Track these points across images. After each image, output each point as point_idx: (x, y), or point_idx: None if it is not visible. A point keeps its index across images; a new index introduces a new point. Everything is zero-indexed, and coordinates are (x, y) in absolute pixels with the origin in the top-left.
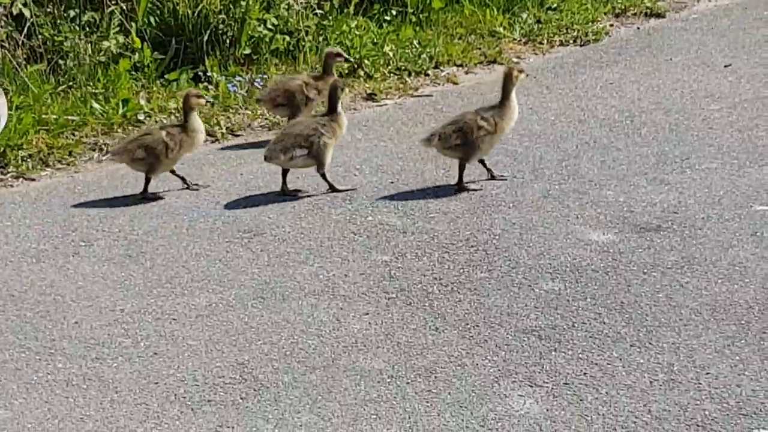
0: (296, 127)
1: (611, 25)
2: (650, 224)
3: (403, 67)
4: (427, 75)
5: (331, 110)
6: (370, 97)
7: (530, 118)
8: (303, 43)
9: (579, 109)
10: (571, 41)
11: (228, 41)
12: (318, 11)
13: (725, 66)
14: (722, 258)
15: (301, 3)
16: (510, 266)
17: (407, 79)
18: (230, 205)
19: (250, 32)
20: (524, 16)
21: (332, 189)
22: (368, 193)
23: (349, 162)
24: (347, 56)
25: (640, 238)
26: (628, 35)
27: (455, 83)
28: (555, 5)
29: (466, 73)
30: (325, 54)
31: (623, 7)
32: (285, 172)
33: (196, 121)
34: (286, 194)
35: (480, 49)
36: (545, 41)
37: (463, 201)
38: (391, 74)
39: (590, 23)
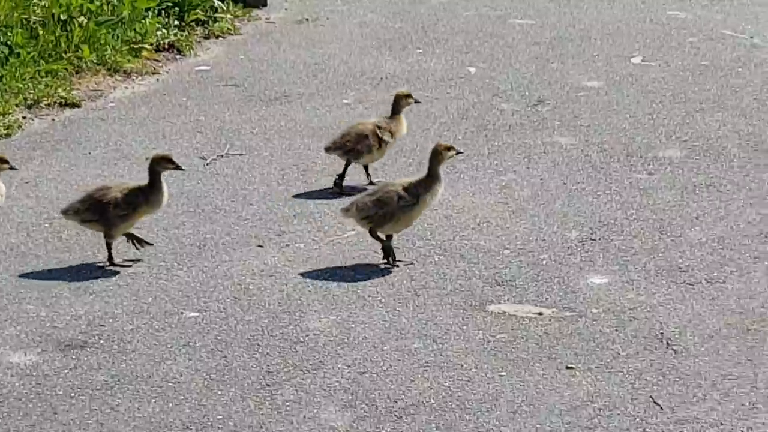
0: None
1: (24, 118)
2: (76, 340)
3: None
4: None
5: None
6: None
7: None
8: None
9: None
10: None
11: None
12: None
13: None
14: (154, 374)
15: None
16: None
17: None
18: None
19: None
20: None
21: None
22: None
23: None
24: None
25: (65, 357)
26: (42, 128)
27: None
28: None
29: None
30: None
31: (36, 98)
32: None
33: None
34: None
35: None
36: None
37: None
38: None
39: (1, 116)
